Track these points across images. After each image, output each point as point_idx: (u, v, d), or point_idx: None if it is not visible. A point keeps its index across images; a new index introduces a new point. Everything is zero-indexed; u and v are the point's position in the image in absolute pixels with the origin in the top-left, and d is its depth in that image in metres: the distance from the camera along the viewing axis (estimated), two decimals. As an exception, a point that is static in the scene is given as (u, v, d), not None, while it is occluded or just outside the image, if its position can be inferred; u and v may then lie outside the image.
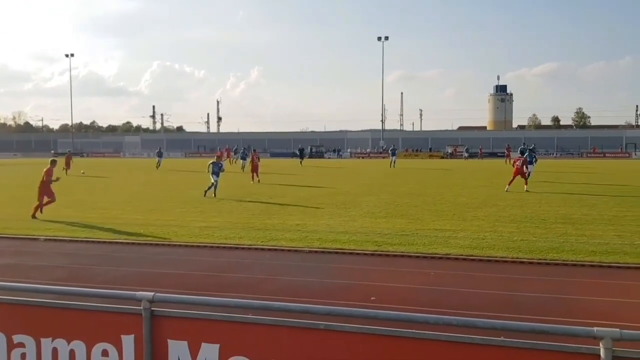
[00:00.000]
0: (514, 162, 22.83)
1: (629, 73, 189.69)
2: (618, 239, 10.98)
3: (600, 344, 2.89)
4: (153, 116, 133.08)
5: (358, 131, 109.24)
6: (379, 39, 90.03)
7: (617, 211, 15.07)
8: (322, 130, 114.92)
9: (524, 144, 37.80)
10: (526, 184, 21.70)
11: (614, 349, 2.88)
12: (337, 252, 10.20)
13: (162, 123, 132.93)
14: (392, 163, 45.81)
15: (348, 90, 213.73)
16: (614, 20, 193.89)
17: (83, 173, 26.05)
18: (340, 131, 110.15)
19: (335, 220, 13.95)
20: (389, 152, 49.44)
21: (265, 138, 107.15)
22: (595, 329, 2.94)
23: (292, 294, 7.49)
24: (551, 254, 9.70)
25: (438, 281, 8.13)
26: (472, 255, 9.71)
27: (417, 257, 9.74)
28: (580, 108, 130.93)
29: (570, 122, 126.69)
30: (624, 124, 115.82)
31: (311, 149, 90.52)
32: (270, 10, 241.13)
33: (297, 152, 51.24)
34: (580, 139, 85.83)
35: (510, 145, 53.50)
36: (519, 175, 21.72)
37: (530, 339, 3.09)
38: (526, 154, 22.95)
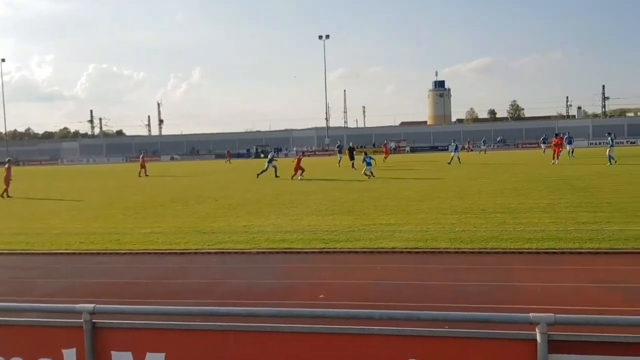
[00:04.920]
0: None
1: (558, 66, 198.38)
2: (553, 225, 11.46)
3: (537, 329, 3.02)
4: (91, 121, 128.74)
5: (303, 129, 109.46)
6: (320, 37, 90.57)
7: (552, 199, 15.74)
8: (268, 129, 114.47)
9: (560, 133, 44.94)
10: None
11: (549, 333, 3.02)
12: (284, 252, 10.19)
13: (100, 127, 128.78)
14: (457, 159, 38.16)
15: (292, 89, 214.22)
16: (543, 16, 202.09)
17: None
18: (286, 130, 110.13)
19: (282, 220, 13.93)
20: (453, 146, 40.88)
21: (210, 139, 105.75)
22: (531, 315, 3.06)
23: (241, 297, 7.44)
24: (491, 243, 10.04)
25: (385, 275, 8.27)
26: (416, 248, 9.91)
27: (364, 252, 9.87)
28: (514, 101, 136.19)
29: (505, 115, 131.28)
30: (555, 114, 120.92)
31: (257, 149, 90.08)
32: (210, 10, 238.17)
33: (347, 150, 41.87)
34: (515, 131, 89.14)
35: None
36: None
37: (472, 327, 3.20)
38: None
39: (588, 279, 7.54)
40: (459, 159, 38.63)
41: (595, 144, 75.65)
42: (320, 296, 7.16)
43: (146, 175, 38.19)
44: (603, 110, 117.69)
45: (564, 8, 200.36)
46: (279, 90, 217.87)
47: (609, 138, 33.35)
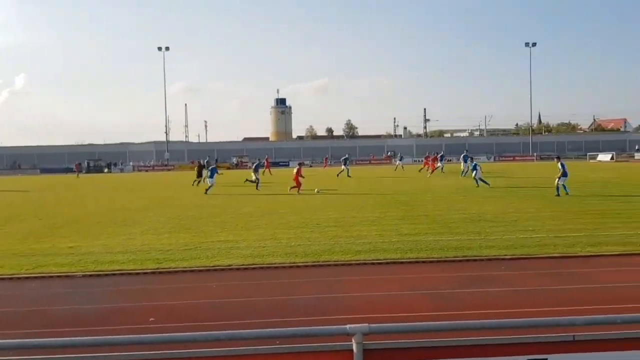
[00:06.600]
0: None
1: (389, 89, 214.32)
2: (379, 237, 12.34)
3: (353, 340, 3.22)
4: None
5: (141, 143, 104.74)
6: (159, 49, 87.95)
7: (380, 213, 16.93)
8: (102, 143, 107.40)
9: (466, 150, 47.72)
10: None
11: (364, 342, 3.24)
12: (114, 274, 9.65)
13: None
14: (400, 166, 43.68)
15: (129, 101, 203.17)
16: (374, 41, 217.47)
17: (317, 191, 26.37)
18: (122, 144, 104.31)
19: (113, 240, 13.18)
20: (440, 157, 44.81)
21: (34, 152, 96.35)
22: (347, 326, 3.26)
23: (63, 325, 6.89)
24: (324, 256, 10.51)
25: (220, 294, 8.22)
26: (253, 264, 10.02)
27: (200, 271, 9.73)
28: (349, 120, 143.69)
29: (342, 133, 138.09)
30: (385, 134, 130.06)
31: (89, 164, 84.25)
32: (37, 13, 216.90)
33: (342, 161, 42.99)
34: (350, 148, 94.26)
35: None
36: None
37: (298, 342, 3.34)
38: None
39: (408, 287, 8.21)
40: (442, 168, 42.08)
41: (419, 161, 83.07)
42: (151, 319, 6.91)
43: None
44: (425, 131, 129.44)
45: (392, 36, 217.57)
46: (114, 102, 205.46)
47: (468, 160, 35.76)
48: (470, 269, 9.38)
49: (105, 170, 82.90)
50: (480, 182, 26.92)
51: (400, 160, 54.35)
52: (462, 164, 37.54)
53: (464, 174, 35.87)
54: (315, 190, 26.54)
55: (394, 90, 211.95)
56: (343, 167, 41.82)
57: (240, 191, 28.88)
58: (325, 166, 68.58)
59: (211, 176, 27.78)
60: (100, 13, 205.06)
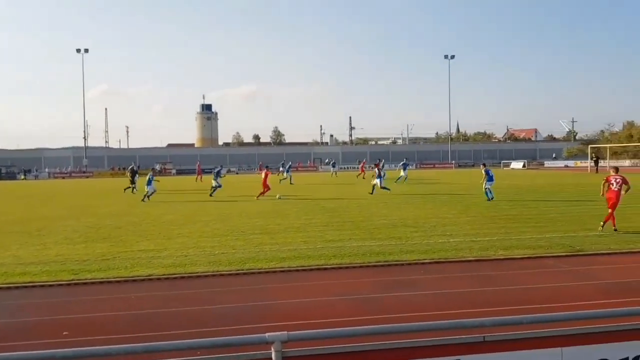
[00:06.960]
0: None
1: (316, 97, 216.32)
2: (304, 244, 12.40)
3: (272, 348, 3.24)
4: None
5: (58, 149, 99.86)
6: (78, 50, 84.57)
7: (305, 220, 17.03)
8: (14, 148, 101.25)
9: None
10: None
11: (283, 350, 3.26)
12: (25, 287, 9.13)
13: None
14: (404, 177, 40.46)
15: (45, 104, 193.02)
16: (302, 50, 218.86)
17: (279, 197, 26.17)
18: (37, 149, 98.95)
19: (25, 250, 12.48)
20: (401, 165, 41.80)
21: None
22: (267, 334, 3.28)
23: (-35, 343, 6.43)
24: (248, 263, 10.44)
25: (139, 305, 7.96)
26: (174, 274, 9.78)
27: (118, 282, 9.39)
28: (276, 127, 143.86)
29: (269, 140, 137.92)
30: (311, 141, 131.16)
31: (0, 170, 79.39)
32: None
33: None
34: (278, 155, 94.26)
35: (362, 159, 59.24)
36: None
37: (215, 353, 3.32)
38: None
39: (331, 293, 8.29)
40: (405, 178, 39.05)
41: (346, 168, 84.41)
42: (64, 333, 6.59)
43: None
44: (350, 138, 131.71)
45: (320, 45, 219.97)
46: (28, 105, 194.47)
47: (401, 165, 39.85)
48: (391, 274, 9.61)
49: (21, 177, 78.42)
50: (382, 190, 27.60)
51: (333, 167, 57.10)
52: (401, 171, 39.22)
53: (399, 180, 37.51)
54: (277, 197, 26.48)
55: (321, 98, 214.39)
56: (285, 174, 42.65)
57: (162, 199, 28.16)
58: (260, 171, 69.73)
59: (149, 183, 27.13)
60: (14, 10, 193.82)
